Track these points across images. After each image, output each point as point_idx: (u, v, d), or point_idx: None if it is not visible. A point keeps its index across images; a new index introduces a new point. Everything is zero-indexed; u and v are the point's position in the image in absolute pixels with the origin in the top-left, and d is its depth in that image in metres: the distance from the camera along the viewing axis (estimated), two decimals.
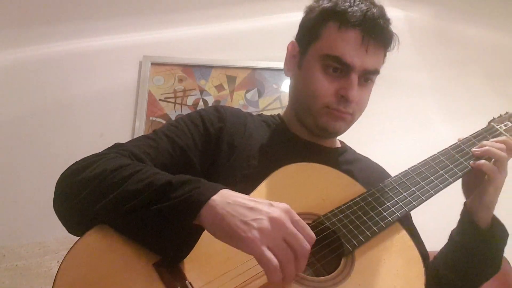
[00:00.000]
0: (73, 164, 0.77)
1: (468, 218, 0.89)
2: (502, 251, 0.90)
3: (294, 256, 0.60)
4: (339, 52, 0.86)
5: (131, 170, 0.69)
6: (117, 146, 0.82)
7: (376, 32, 0.86)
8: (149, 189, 0.65)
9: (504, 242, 0.90)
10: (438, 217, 1.45)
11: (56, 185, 0.76)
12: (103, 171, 0.70)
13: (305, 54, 0.93)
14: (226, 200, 0.62)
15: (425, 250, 0.93)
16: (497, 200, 0.88)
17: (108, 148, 0.82)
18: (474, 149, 0.89)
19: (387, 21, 0.89)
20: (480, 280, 0.90)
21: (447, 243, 0.94)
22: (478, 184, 0.88)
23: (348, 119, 0.91)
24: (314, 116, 0.91)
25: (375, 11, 0.87)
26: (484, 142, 0.90)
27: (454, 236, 0.92)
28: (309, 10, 0.94)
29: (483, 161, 0.86)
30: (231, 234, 0.59)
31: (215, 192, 0.63)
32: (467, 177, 0.90)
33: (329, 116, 0.90)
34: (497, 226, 0.89)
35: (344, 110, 0.89)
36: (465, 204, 0.92)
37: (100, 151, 0.82)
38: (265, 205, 0.62)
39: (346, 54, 0.86)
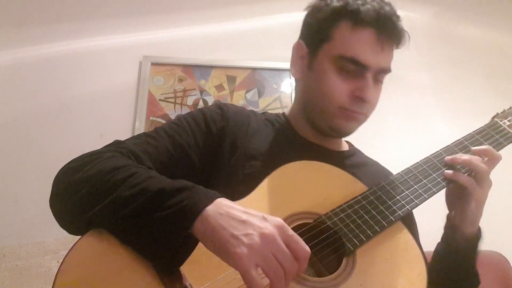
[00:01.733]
0: (70, 161, 0.77)
1: (450, 234, 0.87)
2: (476, 261, 0.88)
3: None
4: (355, 52, 0.84)
5: (126, 173, 0.68)
6: (116, 143, 0.82)
7: (390, 30, 0.85)
8: (142, 197, 0.64)
9: (478, 251, 0.87)
10: (437, 217, 1.46)
11: (53, 183, 0.75)
12: (97, 173, 0.70)
13: (316, 55, 0.90)
14: (219, 210, 0.61)
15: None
16: (482, 214, 0.84)
17: (107, 145, 0.81)
18: (446, 157, 0.86)
19: (398, 18, 0.87)
20: None
21: (432, 257, 0.91)
22: (460, 197, 0.84)
23: (361, 119, 0.90)
24: (328, 118, 0.89)
25: (387, 9, 0.85)
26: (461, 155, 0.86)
27: (438, 250, 0.90)
28: (316, 10, 0.92)
29: (457, 173, 0.83)
30: (220, 248, 0.58)
31: (209, 201, 0.62)
32: (449, 188, 0.87)
33: (343, 117, 0.88)
34: (476, 240, 0.86)
35: (359, 111, 0.87)
36: (447, 217, 0.90)
37: None
38: (258, 219, 0.60)
39: (362, 54, 0.84)
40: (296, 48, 0.95)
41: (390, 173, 1.02)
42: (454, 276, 0.87)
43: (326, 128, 0.91)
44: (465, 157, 0.84)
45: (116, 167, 0.70)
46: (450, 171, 0.84)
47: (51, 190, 0.75)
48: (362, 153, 1.05)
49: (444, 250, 0.88)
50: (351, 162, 0.98)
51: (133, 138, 0.85)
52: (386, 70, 0.88)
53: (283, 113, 1.03)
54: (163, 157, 0.82)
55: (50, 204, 0.75)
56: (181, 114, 0.94)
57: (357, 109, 0.87)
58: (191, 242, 0.63)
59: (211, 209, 0.61)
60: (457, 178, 0.83)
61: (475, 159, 0.83)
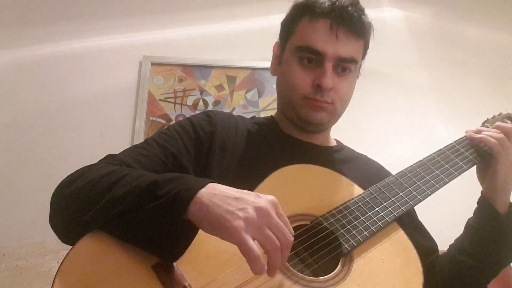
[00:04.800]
0: (65, 178, 0.77)
1: (485, 203, 0.89)
2: None
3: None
4: (310, 41, 0.88)
5: (118, 176, 0.69)
6: (108, 157, 0.83)
7: (345, 20, 0.88)
8: (136, 191, 0.64)
9: None
10: (444, 217, 1.46)
11: (50, 201, 0.76)
12: (91, 180, 0.71)
13: (284, 50, 0.95)
14: (212, 191, 0.62)
15: (434, 243, 0.94)
16: None
17: (100, 160, 0.82)
18: (472, 135, 0.92)
19: (358, 9, 0.90)
20: (501, 265, 0.89)
21: (463, 232, 0.93)
22: (489, 167, 0.89)
23: (329, 109, 0.91)
24: (295, 109, 0.92)
25: (344, 0, 0.89)
26: (482, 128, 0.93)
27: (471, 223, 0.91)
28: (288, 9, 0.97)
29: (482, 136, 0.89)
30: (216, 225, 0.59)
31: (202, 185, 0.63)
32: (480, 166, 0.91)
33: (308, 107, 0.90)
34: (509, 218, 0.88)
35: (322, 99, 0.89)
36: (481, 192, 0.92)
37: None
38: (252, 195, 0.62)
39: (316, 42, 0.88)
40: (275, 48, 1.01)
41: (379, 165, 1.04)
42: (492, 246, 0.88)
43: (296, 119, 0.94)
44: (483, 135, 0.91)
45: (108, 172, 0.71)
46: (476, 135, 0.90)
47: (49, 209, 0.75)
48: (350, 149, 1.06)
49: (478, 223, 0.89)
50: (339, 157, 1.00)
51: (125, 151, 0.86)
52: (347, 59, 0.89)
53: (272, 115, 1.05)
54: (156, 166, 0.83)
55: (50, 222, 0.75)
56: (170, 125, 0.96)
57: (320, 97, 0.89)
58: (187, 232, 0.64)
59: (204, 191, 0.62)
60: (484, 139, 0.89)
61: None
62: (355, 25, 0.89)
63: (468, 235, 0.91)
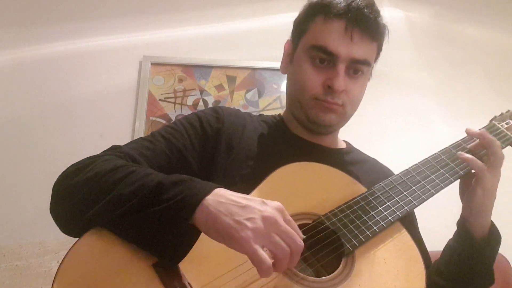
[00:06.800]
0: (69, 166, 0.77)
1: (461, 226, 0.86)
2: (494, 261, 0.85)
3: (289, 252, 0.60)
4: (324, 41, 0.87)
5: (124, 172, 0.69)
6: (113, 148, 0.82)
7: (361, 21, 0.86)
8: (141, 192, 0.64)
9: (496, 252, 0.86)
10: (439, 217, 1.45)
11: (52, 189, 0.76)
12: (96, 174, 0.70)
13: (296, 49, 0.94)
14: (219, 199, 0.62)
15: (428, 258, 0.91)
16: (492, 205, 0.83)
17: (104, 150, 0.82)
18: (460, 153, 0.86)
19: (373, 11, 0.88)
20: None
21: (442, 250, 0.90)
22: (469, 186, 0.85)
23: (338, 111, 0.90)
24: (304, 109, 0.91)
25: (360, 1, 0.87)
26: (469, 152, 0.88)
27: (450, 244, 0.89)
28: (302, 8, 0.96)
29: (470, 156, 0.84)
30: (224, 234, 0.59)
31: (208, 191, 0.63)
32: (462, 182, 0.87)
33: (318, 108, 0.89)
34: (493, 236, 0.84)
35: (332, 101, 0.88)
36: (461, 213, 0.88)
37: (99, 151, 0.82)
38: (258, 203, 0.62)
39: (330, 43, 0.86)
40: (286, 46, 0.99)
41: (388, 170, 1.02)
42: (464, 271, 0.84)
43: (305, 120, 0.93)
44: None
45: (114, 167, 0.71)
46: (466, 155, 0.85)
47: (51, 197, 0.75)
48: (360, 151, 1.05)
49: (454, 245, 0.87)
50: (348, 159, 0.99)
51: (130, 143, 0.86)
52: (361, 61, 0.88)
53: (279, 114, 1.04)
54: (161, 160, 0.83)
55: (51, 210, 0.75)
56: (177, 119, 0.95)
57: (330, 99, 0.88)
58: (190, 236, 0.64)
59: (210, 198, 0.62)
60: (468, 161, 0.84)
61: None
62: (370, 27, 0.88)
63: (444, 256, 0.88)
